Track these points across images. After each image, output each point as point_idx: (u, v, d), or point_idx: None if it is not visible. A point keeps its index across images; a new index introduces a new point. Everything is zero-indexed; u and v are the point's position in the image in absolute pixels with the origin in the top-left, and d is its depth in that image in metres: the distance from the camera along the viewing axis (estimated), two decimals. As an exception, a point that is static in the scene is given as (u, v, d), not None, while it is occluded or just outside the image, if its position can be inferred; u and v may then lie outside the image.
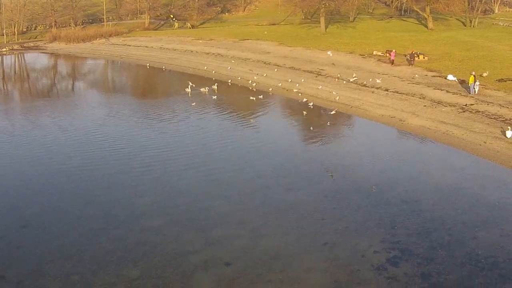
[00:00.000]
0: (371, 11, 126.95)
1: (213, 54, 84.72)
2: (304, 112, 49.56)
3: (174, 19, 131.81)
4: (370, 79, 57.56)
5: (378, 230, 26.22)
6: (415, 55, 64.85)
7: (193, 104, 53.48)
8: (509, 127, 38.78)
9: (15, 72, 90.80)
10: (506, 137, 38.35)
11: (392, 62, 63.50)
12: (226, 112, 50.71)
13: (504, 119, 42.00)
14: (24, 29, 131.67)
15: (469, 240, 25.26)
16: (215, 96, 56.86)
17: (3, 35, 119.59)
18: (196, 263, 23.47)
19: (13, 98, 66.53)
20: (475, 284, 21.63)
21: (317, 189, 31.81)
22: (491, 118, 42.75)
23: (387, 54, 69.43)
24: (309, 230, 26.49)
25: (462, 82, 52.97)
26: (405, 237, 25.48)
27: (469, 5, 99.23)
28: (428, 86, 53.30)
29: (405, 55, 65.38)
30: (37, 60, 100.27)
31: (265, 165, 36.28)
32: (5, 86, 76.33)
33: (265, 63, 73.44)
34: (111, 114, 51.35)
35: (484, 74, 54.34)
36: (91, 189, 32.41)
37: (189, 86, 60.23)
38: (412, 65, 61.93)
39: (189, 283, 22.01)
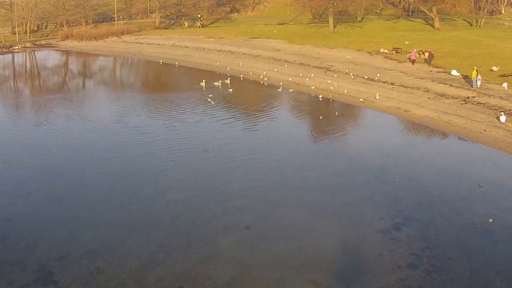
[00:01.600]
0: (378, 11, 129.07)
1: (225, 51, 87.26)
2: (314, 103, 52.18)
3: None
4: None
5: (383, 203, 28.76)
6: (422, 52, 67.26)
7: (210, 96, 55.99)
8: (502, 113, 41.82)
9: (33, 68, 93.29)
10: (500, 121, 41.29)
11: (413, 62, 65.11)
12: (242, 103, 53.15)
13: (504, 110, 44.33)
14: (35, 28, 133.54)
15: (467, 211, 27.77)
16: (231, 89, 59.37)
17: (15, 33, 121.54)
18: (218, 228, 26.05)
19: (41, 93, 68.80)
20: (471, 246, 24.14)
21: (327, 169, 34.43)
22: (492, 109, 45.21)
23: (394, 52, 71.97)
24: (320, 202, 29.08)
25: (466, 77, 55.34)
26: (407, 208, 28.01)
27: (475, 5, 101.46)
28: (433, 80, 55.76)
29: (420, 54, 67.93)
30: (53, 57, 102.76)
31: (280, 149, 39.00)
32: (29, 81, 78.92)
33: (275, 59, 75.99)
34: (133, 106, 53.96)
35: (495, 69, 57.09)
36: (117, 169, 35.02)
37: (203, 80, 62.68)
38: (430, 64, 63.69)
39: (213, 244, 24.52)
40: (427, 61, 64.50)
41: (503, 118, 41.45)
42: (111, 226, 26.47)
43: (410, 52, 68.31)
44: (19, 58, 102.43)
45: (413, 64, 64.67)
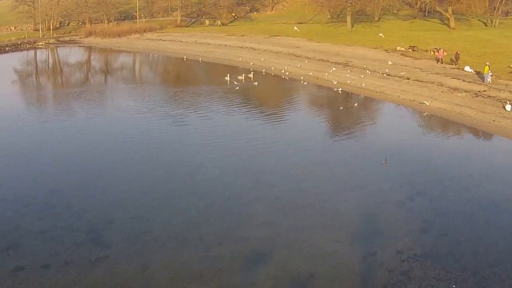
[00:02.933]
0: (395, 12, 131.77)
1: (246, 48, 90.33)
2: (334, 96, 55.37)
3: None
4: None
5: (399, 179, 31.94)
6: (437, 50, 69.92)
7: (236, 88, 59.19)
8: (507, 102, 45.03)
9: (61, 63, 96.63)
10: (506, 110, 44.93)
11: (441, 61, 67.15)
12: (267, 94, 56.28)
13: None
14: (57, 25, 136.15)
15: (474, 187, 30.87)
16: (256, 83, 62.45)
17: (38, 30, 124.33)
18: (251, 198, 29.35)
19: (73, 86, 72.03)
20: (477, 215, 27.26)
21: (347, 151, 37.60)
22: (501, 101, 48.08)
23: (410, 50, 74.78)
24: (341, 178, 32.29)
25: (478, 73, 58.14)
26: (420, 184, 31.14)
27: (490, 6, 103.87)
28: (446, 76, 58.64)
29: (429, 51, 70.55)
30: (78, 53, 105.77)
31: (303, 133, 42.35)
32: (61, 75, 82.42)
33: (295, 55, 79.04)
34: (164, 98, 57.48)
35: None
36: (155, 150, 38.34)
37: (228, 74, 65.82)
38: (457, 64, 65.91)
39: (248, 211, 27.77)
40: (454, 61, 66.73)
41: (508, 107, 45.02)
42: (153, 197, 29.74)
43: (434, 51, 70.79)
44: (46, 54, 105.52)
45: (442, 63, 66.69)
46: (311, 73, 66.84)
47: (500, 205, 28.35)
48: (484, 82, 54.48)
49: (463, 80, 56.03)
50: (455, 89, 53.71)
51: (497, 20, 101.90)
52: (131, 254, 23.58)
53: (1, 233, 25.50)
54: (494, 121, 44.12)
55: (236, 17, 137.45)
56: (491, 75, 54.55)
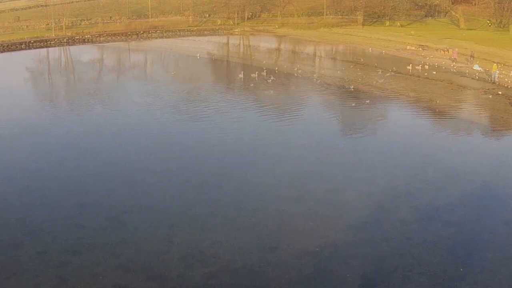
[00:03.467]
0: (406, 11, 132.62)
1: (258, 46, 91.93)
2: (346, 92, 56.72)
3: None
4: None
5: (406, 171, 33.11)
6: (446, 50, 71.16)
7: (251, 85, 60.51)
8: None
9: (76, 61, 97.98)
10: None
11: (454, 60, 68.38)
12: (280, 91, 57.50)
13: (519, 98, 48.74)
14: (70, 24, 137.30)
15: (476, 181, 31.89)
16: (270, 80, 63.54)
17: (51, 29, 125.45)
18: (264, 188, 30.55)
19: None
20: (479, 203, 28.46)
21: (358, 146, 38.77)
22: (509, 98, 49.38)
23: (420, 49, 75.97)
24: (349, 170, 33.43)
25: (487, 71, 59.36)
26: (425, 176, 32.27)
27: (499, 6, 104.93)
28: (456, 74, 59.90)
29: (439, 50, 71.75)
30: (91, 52, 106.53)
31: (317, 126, 43.72)
32: (78, 73, 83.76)
33: (307, 54, 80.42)
34: (181, 94, 58.52)
35: None
36: (167, 137, 39.60)
37: (242, 72, 67.14)
38: (472, 63, 66.87)
39: (262, 198, 29.03)
40: (469, 61, 67.75)
41: None
42: (171, 184, 31.00)
43: (444, 50, 72.03)
44: (59, 52, 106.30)
45: (454, 62, 67.92)
46: (323, 71, 68.10)
47: (500, 195, 29.58)
48: (492, 80, 55.67)
49: (472, 78, 57.30)
50: (464, 86, 54.94)
51: (507, 20, 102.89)
52: (155, 237, 24.77)
53: (24, 219, 26.70)
54: (502, 117, 45.37)
55: (252, 16, 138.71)
56: (498, 73, 55.78)
